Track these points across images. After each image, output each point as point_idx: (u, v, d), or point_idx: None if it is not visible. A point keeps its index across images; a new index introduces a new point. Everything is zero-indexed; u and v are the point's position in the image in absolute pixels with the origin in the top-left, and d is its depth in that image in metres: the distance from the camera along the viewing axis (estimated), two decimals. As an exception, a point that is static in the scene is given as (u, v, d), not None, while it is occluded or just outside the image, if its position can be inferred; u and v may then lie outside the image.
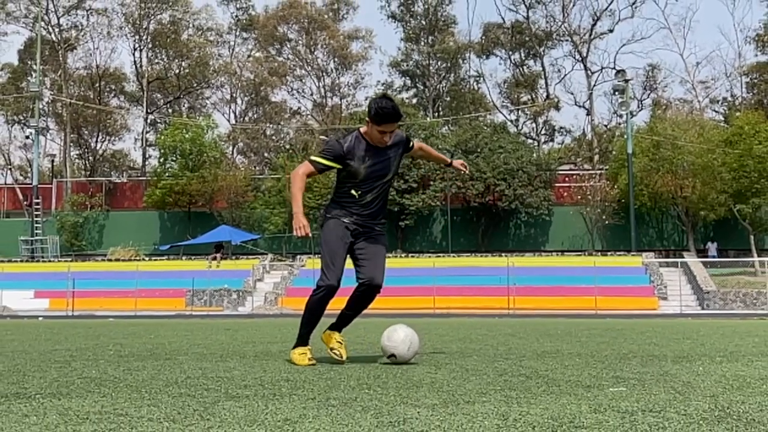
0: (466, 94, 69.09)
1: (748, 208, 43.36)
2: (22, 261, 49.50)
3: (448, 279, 38.02)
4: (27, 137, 63.58)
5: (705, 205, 45.02)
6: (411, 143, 6.32)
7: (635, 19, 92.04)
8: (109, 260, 48.21)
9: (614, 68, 64.14)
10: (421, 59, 67.41)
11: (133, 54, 72.05)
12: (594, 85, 67.87)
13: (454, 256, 45.04)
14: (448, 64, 68.15)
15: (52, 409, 3.54)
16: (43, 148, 65.95)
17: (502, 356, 6.77)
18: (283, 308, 37.05)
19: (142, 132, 72.38)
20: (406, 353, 5.86)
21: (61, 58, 67.43)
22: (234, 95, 74.26)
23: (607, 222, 49.93)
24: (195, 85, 72.45)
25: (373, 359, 6.46)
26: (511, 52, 70.16)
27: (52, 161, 69.05)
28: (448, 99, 69.10)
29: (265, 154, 70.47)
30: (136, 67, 71.98)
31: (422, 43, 67.27)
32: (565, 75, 75.66)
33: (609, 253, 45.27)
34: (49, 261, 49.55)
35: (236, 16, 73.88)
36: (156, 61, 72.28)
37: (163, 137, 56.87)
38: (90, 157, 73.99)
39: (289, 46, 70.85)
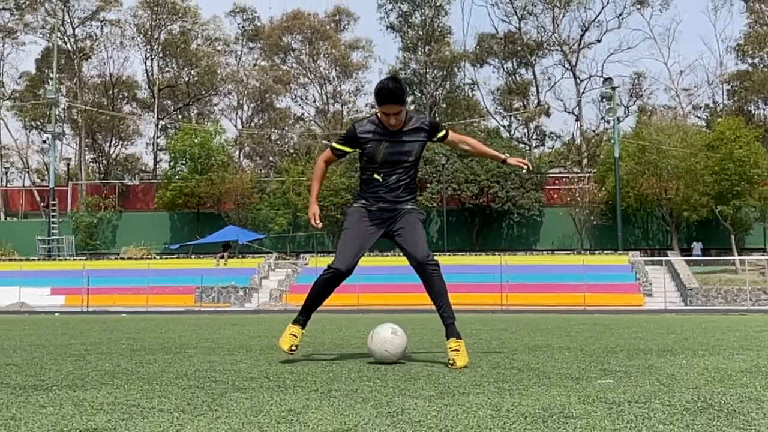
0: (461, 100, 69.07)
1: (729, 209, 43.36)
2: (39, 259, 49.46)
3: (445, 276, 37.96)
4: (44, 142, 63.44)
5: (688, 206, 45.03)
6: (442, 133, 5.83)
7: (622, 30, 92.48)
8: (122, 259, 48.21)
9: (602, 76, 64.07)
10: (419, 68, 67.37)
11: (145, 63, 72.12)
12: (582, 93, 67.91)
13: (449, 255, 45.00)
14: (444, 73, 68.13)
15: (68, 400, 3.54)
16: (59, 152, 65.94)
17: (495, 350, 6.77)
18: (287, 304, 37.04)
19: (154, 137, 72.43)
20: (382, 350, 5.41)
21: (76, 67, 67.41)
22: (240, 102, 74.28)
23: (595, 222, 49.94)
24: (203, 92, 72.44)
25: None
26: (503, 61, 70.16)
27: (68, 165, 69.06)
28: (444, 105, 69.06)
29: (270, 158, 70.46)
30: (147, 75, 72.00)
31: (419, 53, 67.23)
32: (555, 83, 76.10)
33: (597, 252, 45.24)
34: (65, 259, 49.52)
35: (243, 26, 73.86)
36: (166, 69, 72.28)
37: (173, 142, 56.88)
38: (104, 161, 73.97)
39: (293, 55, 70.85)
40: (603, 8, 68.12)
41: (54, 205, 54.12)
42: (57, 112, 57.63)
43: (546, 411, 3.15)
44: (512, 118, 70.80)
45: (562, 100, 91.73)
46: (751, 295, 35.12)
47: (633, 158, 46.78)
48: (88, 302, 37.59)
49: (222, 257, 45.19)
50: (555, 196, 53.85)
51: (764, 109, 67.85)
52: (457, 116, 65.27)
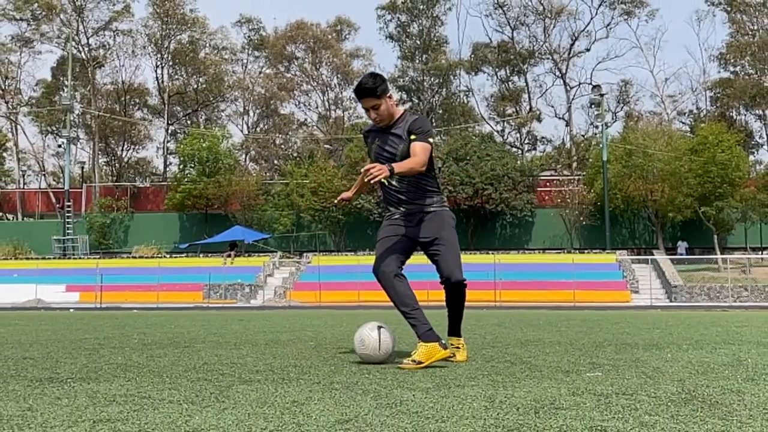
0: (457, 107, 69.09)
1: (712, 210, 43.37)
2: (54, 258, 49.46)
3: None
4: (59, 146, 63.52)
5: (673, 207, 45.02)
6: (411, 138, 5.21)
7: (610, 39, 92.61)
8: (134, 257, 48.21)
9: (591, 84, 64.16)
10: (416, 75, 67.40)
11: (156, 71, 72.17)
12: (572, 99, 68.01)
13: (445, 254, 44.95)
14: (441, 80, 68.15)
15: (82, 392, 3.54)
16: (74, 156, 65.92)
17: (489, 344, 6.77)
18: (291, 301, 37.04)
19: (164, 141, 72.46)
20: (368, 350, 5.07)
21: (90, 75, 67.45)
22: (246, 108, 74.32)
23: (584, 223, 49.93)
24: (211, 99, 72.49)
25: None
26: (497, 69, 70.22)
27: (82, 168, 69.05)
28: (441, 111, 69.09)
29: (275, 162, 70.49)
30: (158, 82, 72.05)
31: (417, 61, 67.27)
32: (547, 90, 76.18)
33: (586, 251, 45.25)
34: (80, 258, 49.54)
35: (249, 36, 73.92)
36: (176, 77, 72.31)
37: (182, 146, 56.86)
38: (116, 164, 73.98)
39: (296, 63, 70.90)
40: (592, 19, 68.35)
41: (69, 206, 54.13)
42: (72, 118, 57.58)
43: (537, 402, 3.15)
44: (505, 123, 70.84)
45: (552, 107, 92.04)
46: (733, 292, 35.13)
47: (620, 162, 46.80)
48: (101, 299, 37.57)
49: (229, 256, 45.20)
50: (546, 197, 53.87)
51: (745, 115, 67.92)
52: (452, 122, 65.32)
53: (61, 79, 65.91)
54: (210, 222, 54.90)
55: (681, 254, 45.66)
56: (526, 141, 70.45)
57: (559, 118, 69.79)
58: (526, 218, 51.41)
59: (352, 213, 49.47)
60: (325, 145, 65.27)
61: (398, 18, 67.46)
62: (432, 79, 68.28)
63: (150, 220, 56.75)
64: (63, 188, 57.54)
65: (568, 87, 67.88)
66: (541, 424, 2.65)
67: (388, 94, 5.23)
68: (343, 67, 69.41)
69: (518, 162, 55.07)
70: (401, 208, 5.34)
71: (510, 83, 70.81)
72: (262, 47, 72.76)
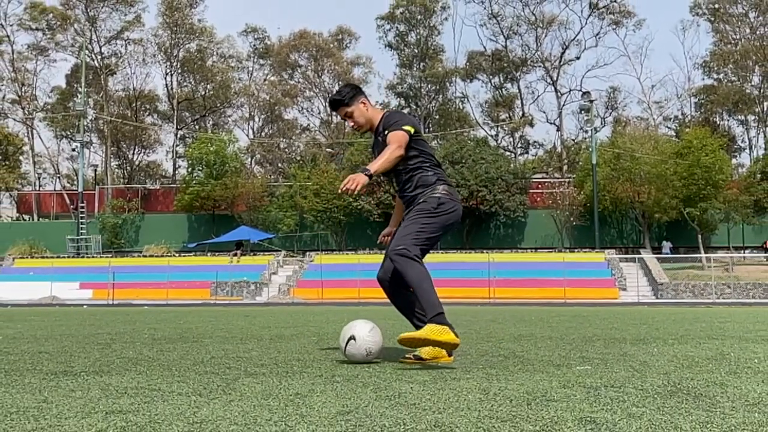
0: (453, 112, 69.10)
1: (696, 211, 43.41)
2: (69, 257, 49.47)
3: (437, 272, 37.76)
4: (73, 150, 63.35)
5: (659, 208, 45.05)
6: (385, 133, 4.95)
7: (599, 48, 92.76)
8: (144, 256, 48.21)
9: (581, 90, 64.06)
10: (414, 82, 67.43)
11: (165, 78, 72.13)
12: (563, 105, 68.01)
13: (442, 253, 44.99)
14: (437, 87, 68.19)
15: (95, 385, 3.54)
16: (87, 159, 65.78)
17: (483, 339, 6.77)
18: (294, 298, 37.08)
19: (173, 145, 72.42)
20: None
21: (102, 82, 67.49)
22: (252, 114, 74.32)
23: (574, 223, 49.94)
24: (218, 105, 72.49)
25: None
26: (491, 77, 70.23)
27: (95, 170, 69.06)
28: (437, 117, 69.11)
29: (279, 165, 70.50)
30: (167, 89, 72.03)
31: (415, 69, 67.30)
32: (538, 96, 76.10)
33: (576, 250, 45.28)
34: (93, 257, 49.54)
35: (254, 45, 73.91)
36: (185, 84, 72.33)
37: (190, 150, 56.88)
38: (128, 167, 73.98)
39: (299, 71, 70.90)
40: (582, 28, 68.38)
41: (82, 207, 54.13)
42: (85, 123, 57.58)
43: (530, 394, 3.15)
44: (499, 128, 70.90)
45: (544, 112, 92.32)
46: (716, 290, 35.15)
47: (609, 165, 46.82)
48: (113, 296, 37.56)
49: (235, 255, 45.21)
50: (538, 199, 53.88)
51: (728, 120, 67.96)
52: (448, 126, 65.36)
53: (75, 86, 65.94)
54: (217, 222, 54.90)
55: (666, 253, 45.70)
56: (519, 145, 70.51)
57: (551, 123, 69.90)
58: (519, 219, 51.42)
59: (352, 214, 49.50)
60: (327, 149, 65.27)
61: (397, 27, 67.52)
62: (429, 85, 68.32)
63: (160, 220, 56.75)
64: (77, 190, 57.55)
65: (558, 93, 67.93)
66: (533, 415, 2.65)
67: (361, 100, 5.06)
68: (345, 75, 69.38)
69: (511, 165, 55.09)
70: (404, 201, 5.10)
71: (503, 90, 70.82)
72: (267, 55, 72.76)
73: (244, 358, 4.86)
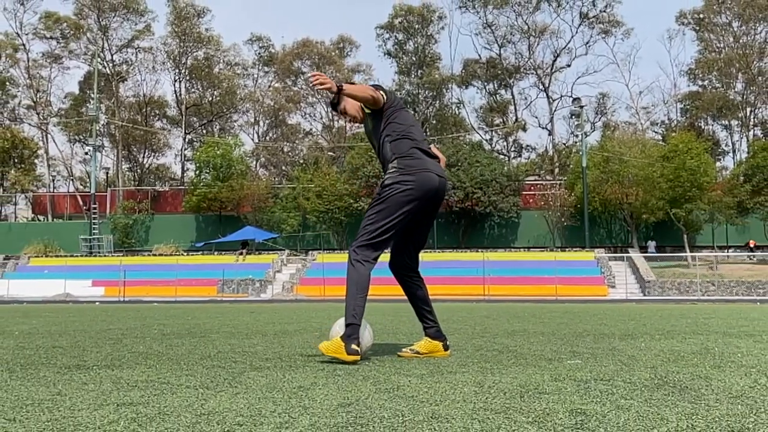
0: (449, 117, 69.14)
1: (682, 212, 43.44)
2: (82, 256, 49.47)
3: (434, 270, 38.02)
4: (86, 153, 63.38)
5: (646, 209, 45.07)
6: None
7: (589, 56, 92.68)
8: (154, 255, 48.21)
9: (571, 96, 64.21)
10: (412, 89, 67.45)
11: (174, 84, 72.20)
12: (554, 111, 68.11)
13: (439, 252, 45.02)
14: (434, 93, 68.23)
15: (107, 378, 3.54)
16: (99, 162, 65.82)
17: (478, 334, 6.77)
18: (297, 295, 37.09)
19: (181, 149, 72.42)
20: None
21: (114, 88, 67.49)
22: (257, 119, 74.33)
23: (565, 223, 49.96)
24: (225, 110, 72.50)
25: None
26: (486, 83, 70.28)
27: (107, 173, 69.09)
28: (434, 122, 69.13)
29: (283, 167, 70.49)
30: (176, 95, 72.07)
31: (413, 76, 67.34)
32: (531, 102, 76.42)
33: (567, 249, 45.31)
34: (105, 256, 49.54)
35: (259, 53, 73.95)
36: (193, 90, 72.35)
37: (198, 153, 56.90)
38: (138, 170, 74.00)
39: (302, 77, 70.92)
40: (572, 37, 68.55)
41: (95, 208, 54.14)
42: (97, 128, 57.60)
43: (523, 387, 3.15)
44: (493, 132, 70.93)
45: (536, 117, 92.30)
46: (701, 287, 35.16)
47: (598, 168, 46.85)
48: (124, 293, 37.57)
49: (241, 254, 45.20)
50: (530, 200, 53.88)
51: (713, 125, 68.04)
52: (445, 131, 65.37)
53: (88, 92, 65.92)
54: (223, 223, 54.92)
55: (651, 252, 45.75)
56: (513, 149, 70.58)
57: (543, 127, 69.95)
58: (512, 219, 51.45)
59: (353, 214, 49.49)
60: (329, 153, 65.25)
61: (395, 36, 67.60)
62: (426, 92, 68.35)
63: (169, 221, 56.75)
64: (89, 192, 57.55)
65: (550, 99, 68.03)
66: (526, 407, 2.65)
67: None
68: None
69: (505, 168, 55.08)
70: None
71: (497, 96, 70.88)
72: (271, 63, 72.80)
73: (249, 353, 4.86)
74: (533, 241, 51.32)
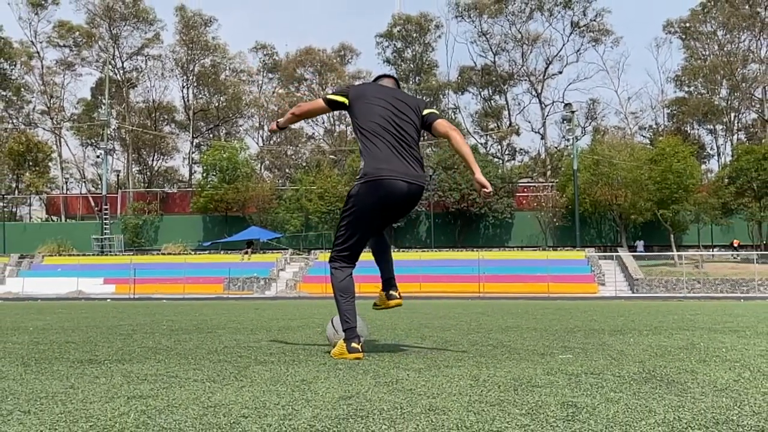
0: (446, 122, 69.07)
1: (669, 213, 43.44)
2: (94, 255, 49.46)
3: (432, 269, 38.06)
4: (98, 156, 63.42)
5: (635, 210, 45.07)
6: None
7: (579, 63, 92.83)
8: (163, 254, 48.19)
9: (563, 102, 64.24)
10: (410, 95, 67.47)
11: (182, 90, 72.21)
12: (547, 116, 68.07)
13: (436, 251, 45.02)
14: (432, 99, 68.17)
15: (118, 372, 3.54)
16: (110, 165, 65.87)
17: (473, 330, 6.78)
18: (300, 292, 37.07)
19: (189, 152, 72.36)
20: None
21: (124, 94, 67.45)
22: (261, 123, 74.20)
23: (557, 224, 49.97)
24: (231, 115, 72.46)
25: (373, 334, 6.44)
26: (481, 89, 70.27)
27: (118, 175, 69.03)
28: (432, 126, 69.11)
29: (286, 170, 70.45)
30: (184, 101, 72.02)
31: (411, 82, 67.31)
32: (524, 107, 76.25)
33: (558, 249, 45.30)
34: (116, 255, 49.53)
35: (264, 60, 73.89)
36: (200, 96, 72.30)
37: (205, 156, 56.87)
38: (147, 172, 73.92)
39: (305, 84, 70.89)
40: (564, 45, 68.71)
41: (106, 209, 54.12)
42: (108, 132, 57.64)
43: (516, 381, 3.15)
44: (488, 136, 70.93)
45: (529, 122, 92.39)
46: (687, 285, 35.18)
47: (589, 170, 46.85)
48: (134, 290, 37.56)
49: (246, 253, 45.19)
50: (524, 201, 53.91)
51: (698, 130, 68.04)
52: (442, 135, 65.32)
53: (99, 98, 65.91)
54: (229, 223, 54.90)
55: (640, 251, 45.77)
56: (507, 152, 70.53)
57: (535, 132, 69.98)
58: (507, 220, 51.47)
59: (354, 215, 49.47)
60: (330, 156, 65.23)
61: (394, 44, 67.63)
62: (424, 97, 68.30)
63: (177, 221, 56.74)
64: (101, 193, 57.53)
65: (543, 105, 68.02)
66: (520, 400, 2.65)
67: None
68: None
69: (499, 170, 55.10)
70: None
71: (492, 102, 70.88)
72: (276, 70, 72.78)
73: (254, 348, 4.86)
74: (526, 241, 51.32)
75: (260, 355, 4.33)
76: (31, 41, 66.89)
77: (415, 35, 67.13)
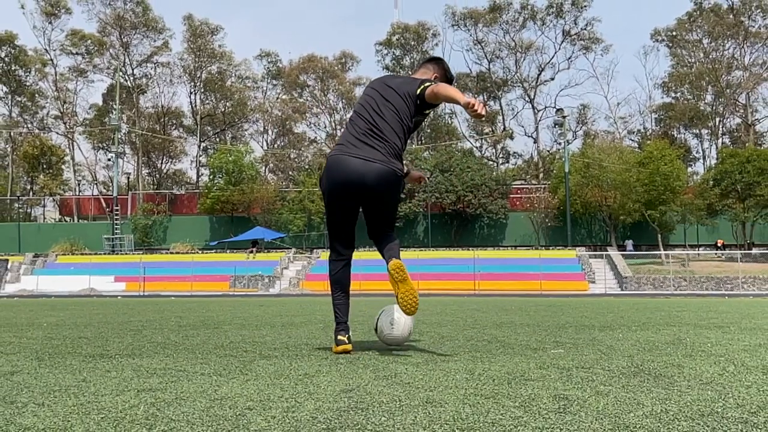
0: (442, 126, 69.12)
1: (657, 213, 43.44)
2: (105, 254, 49.45)
3: (429, 267, 38.03)
4: (109, 159, 63.46)
5: (623, 211, 45.08)
6: None
7: (571, 70, 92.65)
8: (171, 253, 48.19)
9: (555, 107, 64.32)
10: (408, 100, 67.43)
11: (190, 96, 72.21)
12: (539, 120, 68.07)
13: (433, 250, 45.00)
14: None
15: (128, 366, 3.54)
16: (121, 168, 65.91)
17: (469, 326, 6.77)
18: (303, 290, 37.05)
19: (197, 156, 72.39)
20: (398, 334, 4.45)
21: (134, 100, 67.49)
22: (266, 128, 74.26)
23: (549, 224, 50.00)
24: (236, 120, 72.46)
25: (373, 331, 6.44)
26: (476, 95, 70.25)
27: (128, 178, 69.03)
28: (429, 130, 69.11)
29: (290, 173, 70.44)
30: (191, 106, 72.04)
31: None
32: (518, 113, 76.58)
33: (550, 248, 45.28)
34: (126, 254, 49.53)
35: (268, 67, 73.90)
36: (207, 102, 72.30)
37: (212, 159, 56.90)
38: (156, 175, 73.93)
39: (307, 90, 70.90)
40: (555, 53, 68.84)
41: (117, 210, 54.13)
42: (119, 136, 57.62)
43: (510, 374, 3.15)
44: (483, 140, 70.95)
45: (523, 127, 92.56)
46: (674, 282, 35.18)
47: (580, 173, 46.87)
48: (144, 288, 37.55)
49: (251, 252, 45.19)
50: (517, 203, 53.94)
51: (684, 134, 68.07)
52: (438, 139, 65.36)
53: (110, 103, 65.91)
54: (235, 223, 54.90)
55: (630, 250, 45.77)
56: (501, 155, 70.54)
57: (528, 136, 69.99)
58: (501, 220, 51.47)
59: (354, 216, 49.46)
60: (332, 159, 65.16)
61: (393, 52, 67.69)
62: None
63: (185, 221, 56.74)
64: (112, 195, 57.52)
65: (535, 110, 68.04)
66: (513, 393, 2.65)
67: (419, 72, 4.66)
68: (347, 94, 69.42)
69: (494, 173, 55.14)
70: None
71: (487, 107, 70.76)
72: (279, 77, 72.77)
73: (258, 343, 4.86)
74: (520, 240, 51.33)
75: (264, 350, 4.32)
76: (45, 49, 66.96)
77: (413, 43, 67.18)
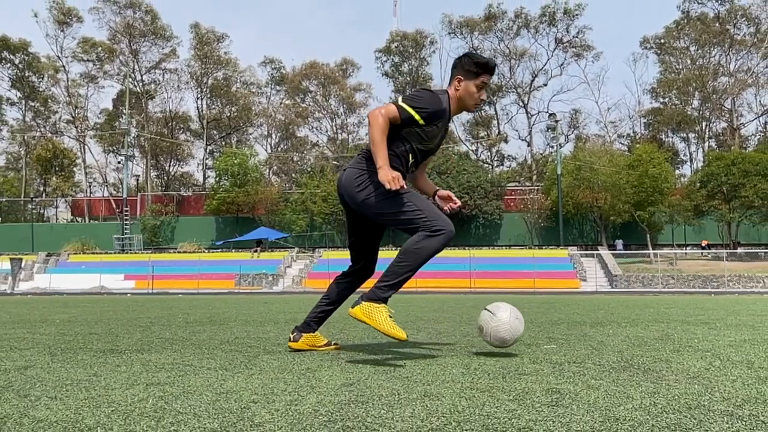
0: (440, 130, 69.09)
1: (646, 214, 43.45)
2: (115, 253, 49.43)
3: (427, 266, 37.84)
4: (119, 162, 63.46)
5: (614, 212, 45.09)
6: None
7: (563, 76, 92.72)
8: (179, 252, 48.17)
9: (547, 112, 64.27)
10: (407, 106, 67.41)
11: (196, 101, 72.21)
12: (533, 125, 68.10)
13: (430, 249, 44.92)
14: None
15: (137, 361, 3.54)
16: (130, 170, 65.77)
17: (465, 322, 6.78)
18: (306, 287, 37.05)
19: (203, 159, 72.40)
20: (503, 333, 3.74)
21: (143, 105, 67.52)
22: (270, 132, 74.27)
23: (542, 224, 49.99)
24: (241, 124, 72.47)
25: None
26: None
27: (137, 180, 69.03)
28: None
29: (293, 175, 70.44)
30: (198, 111, 72.03)
31: (407, 94, 67.39)
32: (512, 117, 76.24)
33: (543, 247, 45.28)
34: (135, 253, 49.51)
35: (271, 73, 73.90)
36: (213, 107, 72.31)
37: (218, 162, 56.86)
38: (165, 177, 73.91)
39: (310, 95, 70.92)
40: (548, 60, 68.58)
41: (126, 211, 54.13)
42: (129, 140, 57.55)
43: (504, 369, 3.15)
44: (478, 144, 70.94)
45: (517, 131, 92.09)
46: (662, 280, 35.18)
47: (571, 175, 46.86)
48: (152, 286, 37.53)
49: (256, 251, 45.17)
50: (511, 204, 53.92)
51: (672, 137, 68.09)
52: (436, 143, 65.39)
53: (120, 108, 65.93)
54: (240, 224, 54.89)
55: (620, 250, 45.78)
56: (496, 158, 70.56)
57: (522, 139, 70.02)
58: (495, 221, 51.45)
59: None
60: (333, 162, 65.21)
61: (392, 59, 67.68)
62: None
63: (192, 222, 56.71)
64: (122, 196, 57.53)
65: (529, 115, 68.04)
66: (508, 387, 2.65)
67: (456, 78, 3.85)
68: (348, 99, 69.47)
69: (489, 175, 55.11)
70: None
71: (482, 112, 70.91)
72: (283, 82, 72.78)
73: (263, 339, 4.86)
74: (514, 240, 51.32)
75: (268, 346, 4.32)
76: (58, 56, 66.98)
77: (411, 50, 67.18)
